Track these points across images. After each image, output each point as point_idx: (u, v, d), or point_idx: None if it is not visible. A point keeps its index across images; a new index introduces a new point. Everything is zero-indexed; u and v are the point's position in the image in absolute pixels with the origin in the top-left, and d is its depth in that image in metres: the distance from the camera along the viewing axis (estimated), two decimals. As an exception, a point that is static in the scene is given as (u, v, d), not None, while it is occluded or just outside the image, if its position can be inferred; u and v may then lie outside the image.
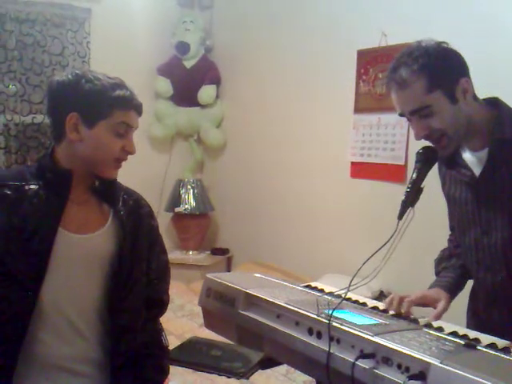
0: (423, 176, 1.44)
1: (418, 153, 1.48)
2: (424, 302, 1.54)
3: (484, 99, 1.51)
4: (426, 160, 1.46)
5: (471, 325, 1.65)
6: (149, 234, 1.57)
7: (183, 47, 4.22)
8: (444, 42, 1.45)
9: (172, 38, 4.31)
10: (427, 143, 1.49)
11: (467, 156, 1.53)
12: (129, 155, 1.46)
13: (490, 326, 1.53)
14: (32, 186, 1.40)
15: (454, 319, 1.49)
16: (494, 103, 1.50)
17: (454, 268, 1.67)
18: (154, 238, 1.60)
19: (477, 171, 1.50)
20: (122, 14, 4.11)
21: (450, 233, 1.78)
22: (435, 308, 1.51)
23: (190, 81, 4.30)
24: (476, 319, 1.67)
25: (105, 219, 1.50)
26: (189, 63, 4.30)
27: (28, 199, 1.38)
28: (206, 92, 4.31)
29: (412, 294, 1.52)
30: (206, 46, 4.39)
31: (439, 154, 1.48)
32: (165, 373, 1.61)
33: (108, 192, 1.51)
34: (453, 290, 1.61)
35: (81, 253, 1.43)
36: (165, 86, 4.29)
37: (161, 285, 1.63)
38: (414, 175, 1.44)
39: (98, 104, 1.38)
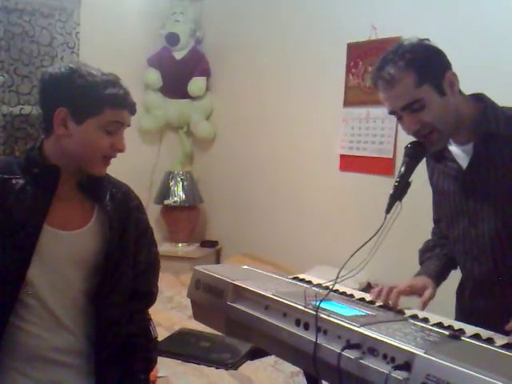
0: (411, 170, 1.46)
1: (406, 147, 1.50)
2: (412, 292, 1.56)
3: (470, 94, 1.53)
4: (414, 155, 1.48)
5: (459, 315, 1.68)
6: (136, 228, 1.56)
7: (173, 38, 4.20)
8: (426, 39, 1.47)
9: (162, 29, 4.29)
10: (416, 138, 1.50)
11: (454, 149, 1.56)
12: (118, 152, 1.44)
13: (477, 316, 1.56)
14: (19, 180, 1.38)
15: (443, 310, 1.51)
16: (479, 98, 1.52)
17: (438, 257, 1.70)
18: (141, 231, 1.59)
19: (463, 164, 1.53)
20: (112, 4, 4.08)
21: (433, 226, 1.80)
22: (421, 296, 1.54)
23: (179, 72, 4.28)
24: (463, 310, 1.70)
25: (91, 215, 1.48)
26: (179, 54, 4.29)
27: (14, 193, 1.37)
28: (196, 84, 4.29)
29: (399, 283, 1.54)
30: (196, 37, 4.38)
31: (428, 149, 1.50)
32: (152, 363, 1.62)
33: (95, 188, 1.49)
34: (438, 278, 1.64)
35: (66, 249, 1.43)
36: (154, 77, 4.27)
37: (149, 277, 1.63)
38: (402, 169, 1.46)
39: (87, 100, 1.35)
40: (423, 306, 1.48)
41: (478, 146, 1.48)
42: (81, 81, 1.35)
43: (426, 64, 1.42)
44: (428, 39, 1.48)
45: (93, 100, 1.35)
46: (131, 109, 1.44)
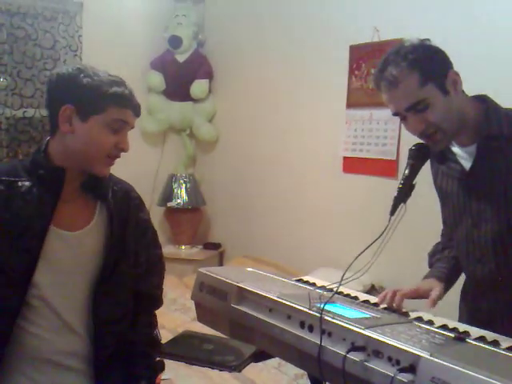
0: (415, 173, 1.46)
1: (410, 149, 1.49)
2: (418, 294, 1.55)
3: (472, 96, 1.52)
4: (418, 157, 1.47)
5: (463, 317, 1.68)
6: (136, 227, 1.56)
7: (176, 41, 4.21)
8: (427, 39, 1.47)
9: (165, 32, 4.29)
10: (420, 140, 1.50)
11: (457, 151, 1.55)
12: (122, 153, 1.45)
13: (480, 318, 1.55)
14: (25, 183, 1.39)
15: (448, 311, 1.51)
16: (482, 99, 1.52)
17: (447, 259, 1.69)
18: (142, 231, 1.58)
19: (466, 166, 1.52)
20: (114, 7, 4.09)
21: (442, 227, 1.80)
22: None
23: (182, 75, 4.29)
24: (466, 311, 1.69)
25: (94, 213, 1.49)
26: (181, 57, 4.29)
27: (20, 196, 1.38)
28: (199, 86, 4.30)
29: (405, 287, 1.53)
30: (199, 40, 4.38)
31: (431, 148, 1.49)
32: (156, 370, 1.61)
33: (98, 188, 1.49)
34: (446, 280, 1.62)
35: (72, 250, 1.43)
36: (157, 80, 4.27)
37: (151, 279, 1.62)
38: (407, 172, 1.45)
39: (93, 98, 1.37)
40: (431, 305, 1.47)
41: (480, 147, 1.48)
42: (87, 80, 1.37)
43: (429, 64, 1.42)
44: (429, 39, 1.47)
45: (98, 97, 1.37)
46: (136, 109, 1.45)
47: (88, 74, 1.38)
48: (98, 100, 1.37)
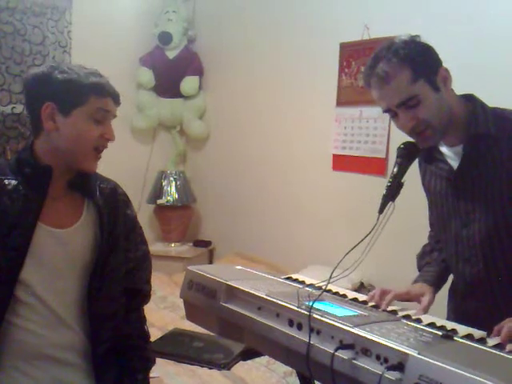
0: (404, 171, 1.46)
1: (399, 148, 1.50)
2: (408, 298, 1.55)
3: (460, 95, 1.53)
4: (407, 155, 1.47)
5: (451, 317, 1.68)
6: (125, 223, 1.57)
7: (165, 37, 4.19)
8: (417, 36, 1.47)
9: (154, 28, 4.28)
10: (409, 138, 1.50)
11: (444, 151, 1.56)
12: (109, 144, 1.45)
13: (468, 317, 1.56)
14: (11, 181, 1.39)
15: (435, 310, 1.51)
16: (468, 99, 1.52)
17: (436, 262, 1.69)
18: (130, 228, 1.59)
19: (454, 165, 1.53)
20: (104, 3, 4.06)
21: (429, 229, 1.80)
22: (419, 303, 1.53)
23: (172, 71, 4.27)
24: (455, 310, 1.70)
25: (82, 211, 1.49)
26: (171, 54, 4.28)
27: (7, 194, 1.37)
28: (189, 83, 4.29)
29: (394, 287, 1.53)
30: (189, 36, 4.37)
31: (420, 145, 1.49)
32: (149, 362, 1.63)
33: (85, 184, 1.50)
34: (436, 283, 1.63)
35: (61, 247, 1.43)
36: (147, 76, 4.26)
37: (140, 274, 1.63)
38: (395, 170, 1.45)
39: (72, 92, 1.37)
40: (424, 313, 1.47)
41: (467, 147, 1.48)
42: (63, 75, 1.38)
43: (420, 60, 1.42)
44: (419, 36, 1.47)
45: (77, 90, 1.37)
46: (115, 97, 1.45)
47: (63, 70, 1.38)
48: (77, 93, 1.38)
